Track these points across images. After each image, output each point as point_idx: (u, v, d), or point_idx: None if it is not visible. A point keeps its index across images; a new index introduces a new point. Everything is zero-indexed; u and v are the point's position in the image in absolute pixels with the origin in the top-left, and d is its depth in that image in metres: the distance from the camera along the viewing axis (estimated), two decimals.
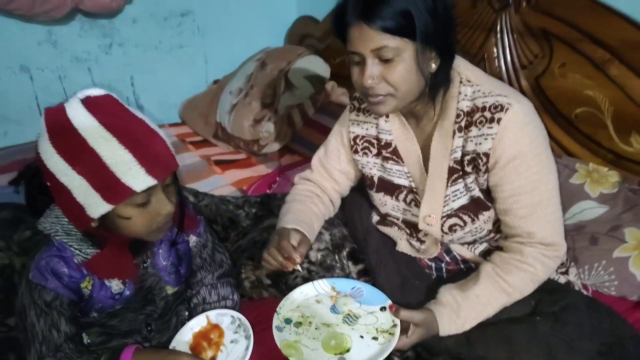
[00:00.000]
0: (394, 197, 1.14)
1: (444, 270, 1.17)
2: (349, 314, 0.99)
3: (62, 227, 0.84)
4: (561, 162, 1.39)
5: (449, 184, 1.03)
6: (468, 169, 1.00)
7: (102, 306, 0.89)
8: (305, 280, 1.12)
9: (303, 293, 1.04)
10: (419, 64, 0.91)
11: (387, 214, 1.19)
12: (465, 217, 1.05)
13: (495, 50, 1.60)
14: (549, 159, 0.98)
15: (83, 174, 0.75)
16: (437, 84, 0.97)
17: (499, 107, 0.93)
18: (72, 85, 2.16)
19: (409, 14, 0.86)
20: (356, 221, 1.26)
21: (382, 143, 1.11)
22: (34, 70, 2.07)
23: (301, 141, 2.06)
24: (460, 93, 0.98)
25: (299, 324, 0.96)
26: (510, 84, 1.58)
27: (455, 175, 1.02)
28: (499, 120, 0.93)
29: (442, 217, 1.06)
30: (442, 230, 1.08)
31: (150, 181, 0.77)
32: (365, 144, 1.15)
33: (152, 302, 0.95)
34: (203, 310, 0.99)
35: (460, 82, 0.99)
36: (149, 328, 0.96)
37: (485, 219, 1.05)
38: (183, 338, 0.92)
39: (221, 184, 1.84)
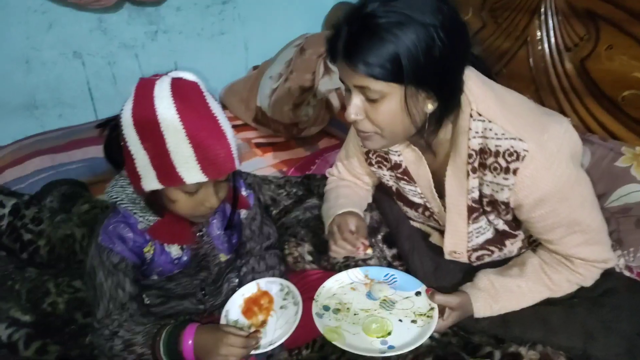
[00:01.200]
0: (412, 209, 1.13)
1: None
2: (385, 300, 1.02)
3: (127, 196, 0.91)
4: (606, 145, 1.37)
5: (470, 222, 1.00)
6: (488, 208, 0.96)
7: (162, 270, 0.96)
8: (348, 259, 1.16)
9: (338, 281, 1.06)
10: (407, 107, 0.82)
11: (411, 218, 1.20)
12: (492, 248, 1.04)
13: (539, 32, 1.58)
14: (580, 185, 0.89)
15: (147, 150, 0.81)
16: (435, 124, 0.88)
17: (515, 155, 0.84)
18: (121, 71, 2.25)
19: (396, 58, 0.77)
20: (386, 209, 1.27)
21: (393, 163, 1.07)
22: (85, 57, 2.17)
23: (339, 125, 2.09)
24: (470, 129, 0.88)
25: (337, 311, 0.99)
26: (554, 66, 1.56)
27: (475, 214, 0.98)
28: (515, 170, 0.85)
29: (468, 251, 1.05)
30: (469, 260, 1.07)
31: (201, 177, 0.81)
32: (378, 159, 1.11)
33: (206, 268, 1.01)
34: (252, 279, 1.05)
35: (471, 115, 0.87)
36: (203, 292, 1.02)
37: (512, 243, 1.04)
38: (235, 302, 0.98)
39: (262, 166, 1.90)
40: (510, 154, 0.84)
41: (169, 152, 0.79)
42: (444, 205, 1.03)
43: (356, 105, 0.85)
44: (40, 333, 1.05)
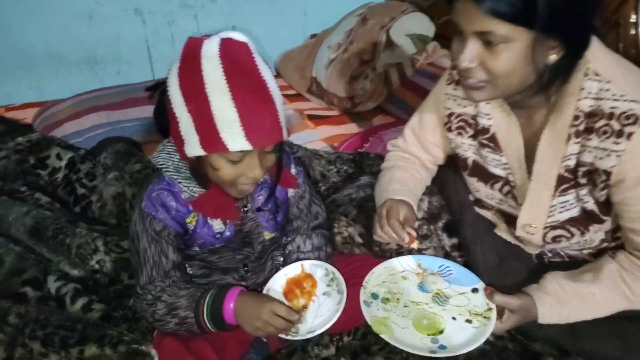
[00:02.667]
0: (488, 185, 1.04)
1: (545, 260, 1.08)
2: (438, 293, 0.96)
3: (173, 163, 0.88)
4: None
5: (556, 194, 0.91)
6: (582, 180, 0.87)
7: (204, 242, 0.93)
8: (401, 246, 1.10)
9: (388, 268, 1.01)
10: (531, 56, 0.76)
11: (481, 199, 1.10)
12: (574, 229, 0.94)
13: (634, 15, 1.41)
14: None
15: (192, 113, 0.77)
16: (553, 78, 0.81)
17: (633, 119, 0.77)
18: (179, 31, 2.24)
19: None
20: (451, 193, 1.18)
21: (480, 127, 0.99)
22: (146, 14, 2.17)
23: (396, 102, 2.00)
24: (583, 89, 0.82)
25: (386, 300, 0.94)
26: None
27: (565, 185, 0.89)
28: (629, 135, 0.78)
29: (545, 227, 0.95)
30: (543, 240, 0.97)
31: (245, 145, 0.77)
32: (461, 123, 1.03)
33: (250, 245, 0.98)
34: (297, 258, 1.01)
35: (586, 74, 0.82)
36: (245, 269, 1.00)
37: (596, 230, 0.94)
38: (277, 282, 0.95)
39: (313, 139, 1.85)
40: (628, 117, 0.78)
41: (213, 115, 0.76)
42: (529, 177, 0.94)
43: (471, 51, 0.78)
44: (88, 289, 1.07)
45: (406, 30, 1.98)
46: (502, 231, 1.10)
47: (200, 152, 0.79)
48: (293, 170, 1.02)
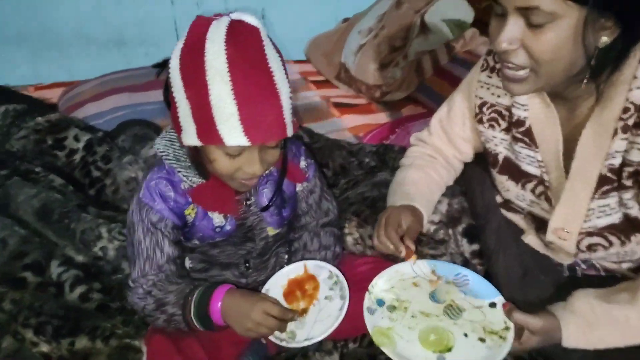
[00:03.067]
0: (519, 184, 0.94)
1: (578, 272, 0.97)
2: (451, 305, 0.87)
3: (174, 151, 0.83)
4: None
5: (595, 196, 0.81)
6: (627, 182, 0.77)
7: (203, 235, 0.89)
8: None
9: (399, 272, 0.93)
10: (582, 37, 0.68)
11: (510, 200, 1.00)
12: (612, 238, 0.84)
13: None
14: None
15: (190, 100, 0.72)
16: (603, 64, 0.73)
17: None
18: (208, 12, 2.17)
19: None
20: (476, 194, 1.09)
21: (514, 119, 0.90)
22: None
23: (428, 92, 1.89)
24: (636, 78, 0.74)
25: (392, 308, 0.86)
26: None
27: (607, 187, 0.80)
28: None
29: (580, 233, 0.85)
30: (577, 247, 0.87)
31: (243, 141, 0.72)
32: (493, 115, 0.94)
33: (252, 240, 0.93)
34: (302, 257, 0.95)
35: None
36: (247, 265, 0.95)
37: (639, 241, 0.83)
38: (278, 282, 0.89)
39: (337, 128, 1.77)
40: None
41: (211, 105, 0.70)
42: (566, 177, 0.85)
43: (512, 31, 0.71)
44: (90, 276, 1.05)
45: (442, 15, 1.86)
46: (530, 238, 1.00)
47: (197, 142, 0.75)
48: (302, 164, 0.95)
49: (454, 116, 1.03)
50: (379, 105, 1.93)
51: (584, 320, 0.80)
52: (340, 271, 0.90)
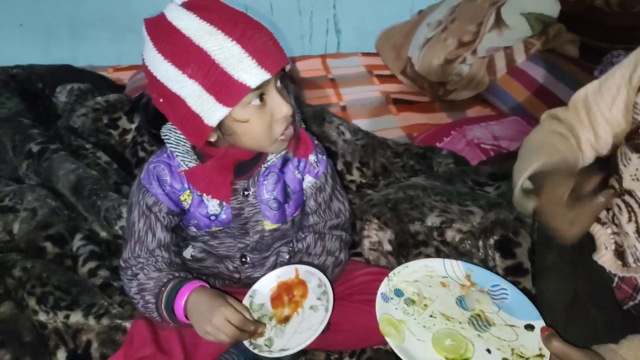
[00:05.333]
0: None
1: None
2: (479, 315, 0.78)
3: (175, 135, 0.82)
4: None
5: None
6: None
7: (198, 223, 0.87)
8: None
9: (428, 267, 0.85)
10: None
11: (630, 190, 0.82)
12: None
13: None
14: None
15: (194, 77, 0.69)
16: None
17: None
18: (278, 1, 2.19)
19: None
20: None
21: None
22: None
23: (499, 93, 1.73)
24: None
25: (411, 302, 0.79)
26: None
27: None
28: None
29: None
30: None
31: (264, 75, 0.69)
32: None
33: (249, 233, 0.89)
34: (301, 260, 0.90)
35: None
36: (242, 259, 0.91)
37: None
38: (268, 283, 0.85)
39: (390, 126, 1.68)
40: None
41: (217, 62, 0.68)
42: None
43: None
44: (111, 253, 1.08)
45: (522, 9, 1.66)
46: (604, 259, 0.86)
47: (223, 111, 0.71)
48: (312, 158, 0.90)
49: (606, 91, 0.86)
50: (442, 104, 1.80)
51: None
52: (333, 281, 0.83)
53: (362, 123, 1.61)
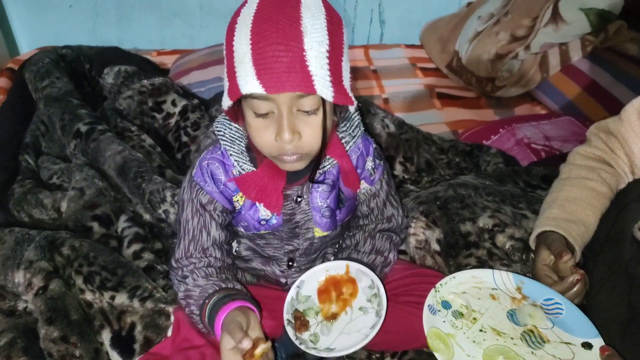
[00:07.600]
0: None
1: None
2: (532, 331, 0.74)
3: (230, 132, 0.79)
4: None
5: None
6: None
7: (247, 225, 0.85)
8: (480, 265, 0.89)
9: (476, 279, 0.82)
10: None
11: None
12: None
13: None
14: None
15: (226, 57, 0.68)
16: None
17: None
18: None
19: None
20: (607, 218, 0.88)
21: None
22: None
23: (551, 91, 1.66)
24: None
25: (459, 315, 0.77)
26: None
27: None
28: None
29: None
30: None
31: (256, 87, 0.63)
32: None
33: (299, 237, 0.87)
34: (349, 256, 0.88)
35: None
36: (290, 263, 0.89)
37: None
38: (316, 276, 0.82)
39: (435, 121, 1.63)
40: None
41: (233, 50, 0.65)
42: None
43: None
44: (153, 236, 1.09)
45: (582, 4, 1.58)
46: None
47: (228, 101, 0.69)
48: (369, 164, 0.86)
49: None
50: (490, 100, 1.74)
51: None
52: (384, 283, 0.80)
53: (405, 117, 1.56)
